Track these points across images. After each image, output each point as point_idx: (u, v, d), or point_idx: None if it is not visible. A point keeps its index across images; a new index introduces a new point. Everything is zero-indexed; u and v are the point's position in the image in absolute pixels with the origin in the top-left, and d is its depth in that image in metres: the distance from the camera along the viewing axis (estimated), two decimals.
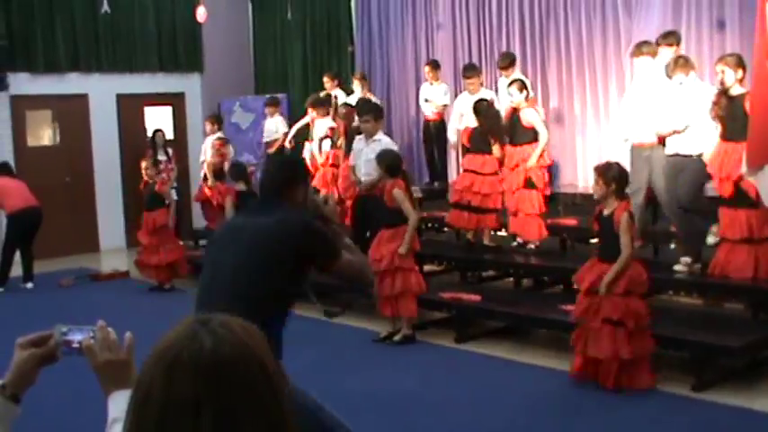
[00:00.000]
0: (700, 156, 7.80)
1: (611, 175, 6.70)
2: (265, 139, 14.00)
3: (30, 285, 12.25)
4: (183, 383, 1.51)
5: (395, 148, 9.24)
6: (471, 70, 10.94)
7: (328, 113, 12.25)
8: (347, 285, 7.38)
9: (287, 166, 4.28)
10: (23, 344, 2.01)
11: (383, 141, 9.39)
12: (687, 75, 7.84)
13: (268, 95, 14.67)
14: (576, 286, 7.22)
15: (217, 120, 13.44)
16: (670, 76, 7.93)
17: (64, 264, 13.72)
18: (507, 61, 10.97)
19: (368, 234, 9.11)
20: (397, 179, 8.28)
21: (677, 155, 7.92)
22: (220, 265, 3.85)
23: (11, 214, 12.07)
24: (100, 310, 10.61)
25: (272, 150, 13.48)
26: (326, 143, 11.94)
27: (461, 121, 10.77)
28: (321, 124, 12.18)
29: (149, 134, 14.99)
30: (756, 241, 7.47)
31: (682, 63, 7.90)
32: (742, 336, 7.01)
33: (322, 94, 13.20)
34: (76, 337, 2.08)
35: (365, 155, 9.41)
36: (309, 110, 12.51)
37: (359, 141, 9.78)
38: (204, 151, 13.03)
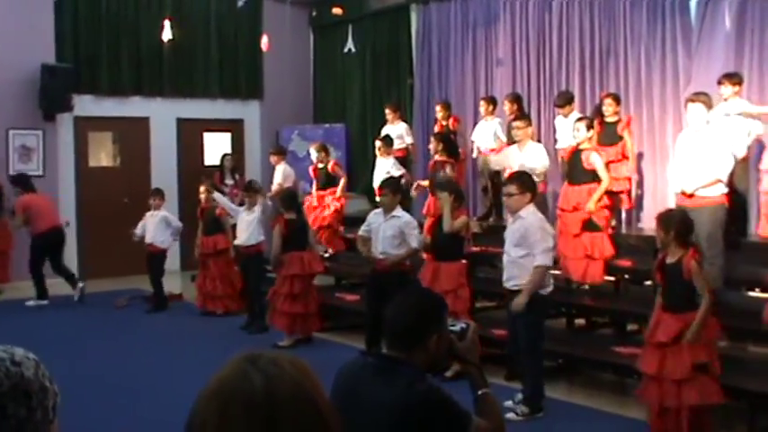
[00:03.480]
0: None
1: (671, 223, 6.49)
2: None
3: (77, 294, 12.62)
4: (237, 424, 1.52)
5: (415, 223, 9.01)
6: (524, 118, 10.37)
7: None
8: None
9: (425, 311, 3.31)
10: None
11: (403, 219, 8.93)
12: None
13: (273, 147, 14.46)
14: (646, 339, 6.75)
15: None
16: None
17: (119, 284, 13.88)
18: (564, 99, 10.97)
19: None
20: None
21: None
22: None
23: (36, 235, 12.33)
24: (150, 332, 10.77)
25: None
26: None
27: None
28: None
29: (207, 160, 15.27)
30: None
31: None
32: None
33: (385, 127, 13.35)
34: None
35: (383, 231, 8.90)
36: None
37: (375, 215, 9.13)
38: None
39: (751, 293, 8.83)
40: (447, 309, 3.38)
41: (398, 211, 8.92)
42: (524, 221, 7.36)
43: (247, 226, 11.09)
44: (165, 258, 12.59)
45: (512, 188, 7.41)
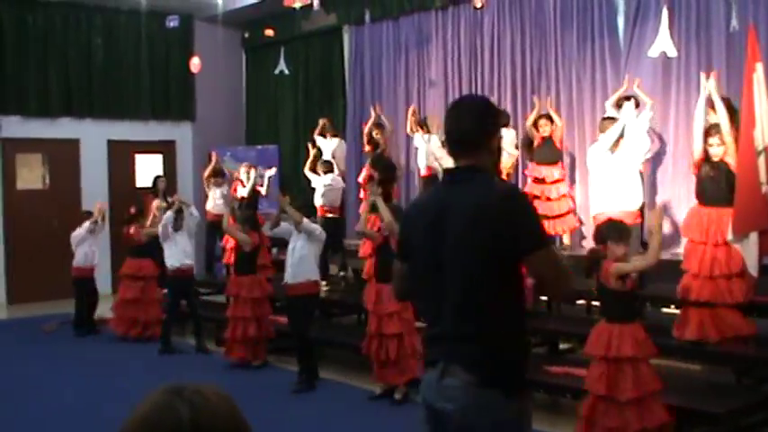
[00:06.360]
0: None
1: (629, 235, 6.32)
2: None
3: None
4: None
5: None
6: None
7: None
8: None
9: (486, 110, 3.50)
10: None
11: None
12: None
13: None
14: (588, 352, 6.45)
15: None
16: None
17: (49, 308, 13.62)
18: (506, 117, 11.28)
19: None
20: None
21: None
22: (446, 272, 3.29)
23: None
24: (77, 357, 10.57)
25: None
26: None
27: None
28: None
29: (139, 182, 15.15)
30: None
31: None
32: (726, 402, 6.97)
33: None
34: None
35: None
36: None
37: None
38: None
39: (665, 309, 9.00)
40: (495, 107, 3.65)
41: None
42: None
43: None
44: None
45: None
